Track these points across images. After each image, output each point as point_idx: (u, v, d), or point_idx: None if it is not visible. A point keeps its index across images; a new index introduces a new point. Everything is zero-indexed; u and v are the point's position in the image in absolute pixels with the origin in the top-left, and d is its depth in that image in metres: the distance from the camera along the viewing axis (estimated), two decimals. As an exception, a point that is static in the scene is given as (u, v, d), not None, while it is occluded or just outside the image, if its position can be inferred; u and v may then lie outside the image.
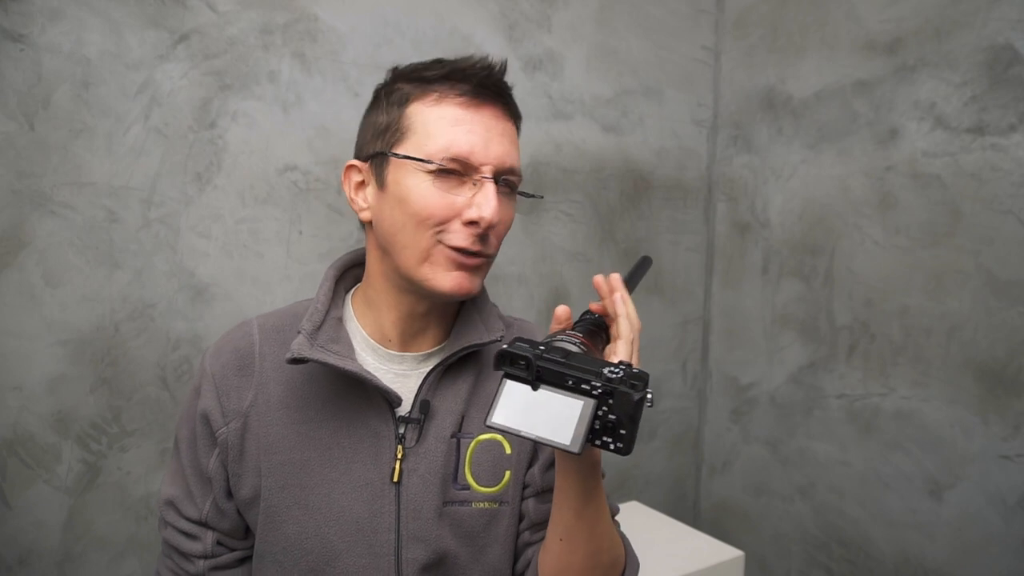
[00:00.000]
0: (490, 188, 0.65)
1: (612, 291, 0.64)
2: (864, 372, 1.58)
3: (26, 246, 1.11)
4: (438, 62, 0.69)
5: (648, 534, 1.51)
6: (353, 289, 0.77)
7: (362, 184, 0.71)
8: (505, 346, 0.53)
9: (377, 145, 0.69)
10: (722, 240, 1.94)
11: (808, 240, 1.70)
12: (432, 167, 0.65)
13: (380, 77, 1.40)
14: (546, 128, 1.63)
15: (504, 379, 0.54)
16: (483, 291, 0.78)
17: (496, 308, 0.79)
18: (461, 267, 0.66)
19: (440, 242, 0.66)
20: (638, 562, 0.74)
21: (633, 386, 0.51)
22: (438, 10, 1.47)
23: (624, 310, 0.62)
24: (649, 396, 0.51)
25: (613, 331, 0.63)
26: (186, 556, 0.72)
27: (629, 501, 1.78)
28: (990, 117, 1.35)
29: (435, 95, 0.67)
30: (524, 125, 1.67)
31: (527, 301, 1.63)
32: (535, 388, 0.53)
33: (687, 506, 2.01)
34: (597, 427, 0.52)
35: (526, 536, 0.75)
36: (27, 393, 1.12)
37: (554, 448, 0.55)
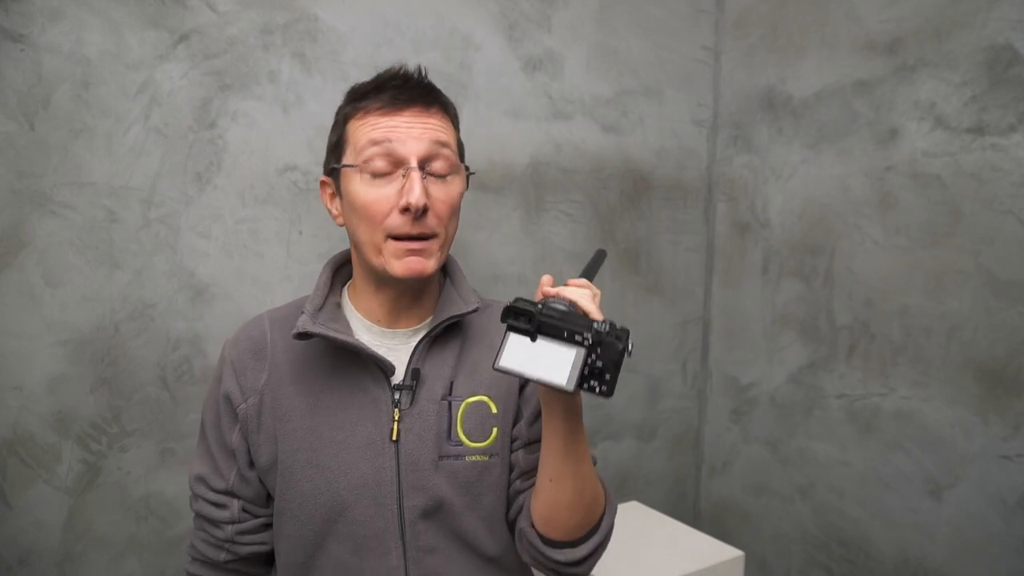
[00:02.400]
0: (414, 176, 0.74)
1: (545, 294, 0.72)
2: (864, 372, 1.58)
3: (26, 246, 1.11)
4: (370, 81, 0.80)
5: (648, 534, 1.52)
6: (349, 282, 0.89)
7: (333, 195, 0.83)
8: (511, 302, 0.64)
9: (331, 161, 0.82)
10: (722, 240, 1.94)
11: (808, 240, 1.70)
12: (363, 169, 0.76)
13: (380, 77, 1.40)
14: (546, 128, 1.63)
15: (508, 331, 0.64)
16: (458, 271, 0.89)
17: (468, 283, 0.89)
18: (409, 252, 0.76)
19: (388, 236, 0.76)
20: (615, 504, 0.83)
21: (618, 337, 0.61)
22: (438, 10, 1.47)
23: (571, 294, 0.69)
24: (631, 346, 0.62)
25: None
26: (215, 523, 0.83)
27: (629, 501, 1.78)
28: (990, 117, 1.35)
29: (362, 111, 0.79)
30: (524, 125, 1.66)
31: (527, 301, 1.63)
32: (534, 339, 0.63)
33: (687, 506, 2.01)
34: (585, 373, 0.62)
35: (517, 484, 0.84)
36: (27, 393, 1.12)
37: (552, 387, 0.64)
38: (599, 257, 0.85)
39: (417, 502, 0.78)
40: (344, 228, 0.83)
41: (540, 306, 0.64)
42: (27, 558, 1.13)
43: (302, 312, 0.79)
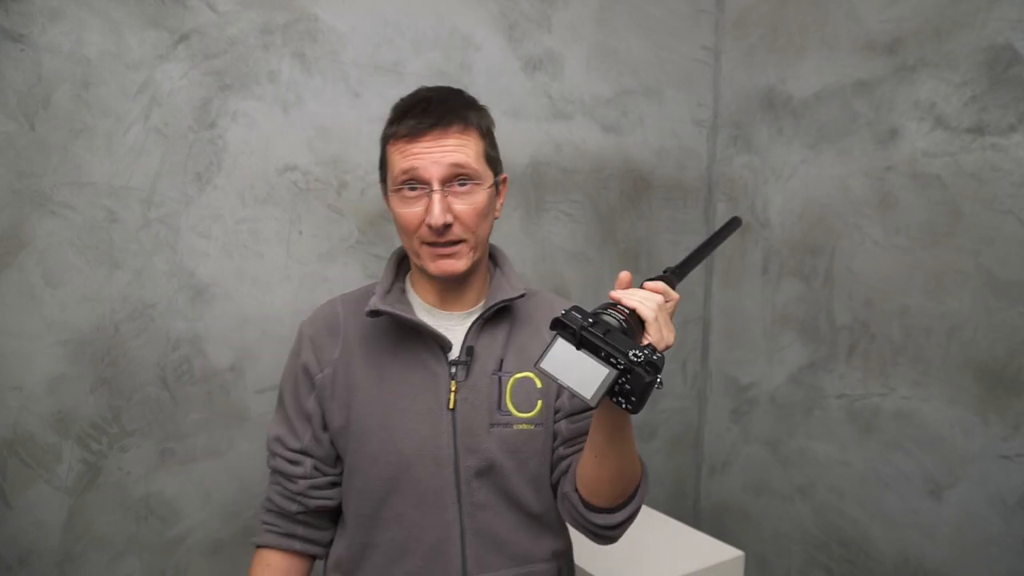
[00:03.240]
0: (436, 197, 0.85)
1: (612, 298, 0.78)
2: (864, 372, 1.58)
3: (26, 246, 1.11)
4: (398, 105, 0.91)
5: (648, 534, 1.51)
6: (409, 272, 1.00)
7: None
8: (561, 314, 0.69)
9: (380, 176, 0.95)
10: (722, 240, 1.94)
11: (808, 240, 1.70)
12: (397, 191, 0.88)
13: (380, 77, 1.41)
14: (546, 128, 1.63)
15: (557, 336, 0.69)
16: (506, 261, 1.00)
17: (516, 272, 1.00)
18: (439, 256, 0.88)
19: (422, 242, 0.88)
20: (648, 478, 0.92)
21: (647, 371, 0.66)
22: (438, 10, 1.47)
23: (632, 302, 0.74)
24: (659, 380, 0.67)
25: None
26: (290, 477, 0.93)
27: (629, 501, 1.78)
28: (990, 117, 1.35)
29: (392, 137, 0.89)
30: (524, 125, 1.66)
31: (527, 301, 1.63)
32: (577, 348, 0.68)
33: (687, 506, 2.01)
34: (616, 390, 0.67)
35: (560, 451, 0.93)
36: (27, 393, 1.12)
37: (578, 397, 0.71)
38: (729, 225, 0.91)
39: (472, 463, 0.88)
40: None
41: (590, 320, 0.69)
42: (27, 558, 1.13)
43: (372, 294, 0.92)
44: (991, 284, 1.35)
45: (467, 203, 0.87)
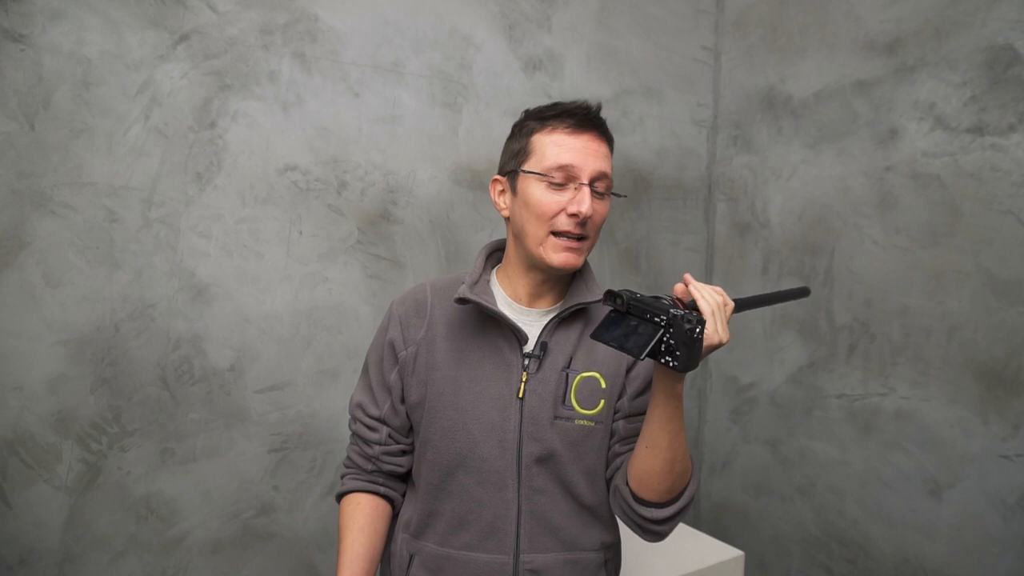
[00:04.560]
0: (586, 191, 0.90)
1: (687, 283, 0.85)
2: (864, 372, 1.58)
3: (26, 246, 1.11)
4: (555, 105, 0.95)
5: (648, 534, 1.51)
6: (497, 266, 1.05)
7: (503, 192, 0.98)
8: (611, 288, 0.78)
9: (512, 164, 0.96)
10: (722, 240, 1.94)
11: (808, 240, 1.70)
12: (545, 177, 0.91)
13: (380, 77, 1.41)
14: (546, 128, 1.63)
15: (610, 311, 0.79)
16: (588, 267, 1.04)
17: (597, 279, 1.04)
18: (567, 248, 0.92)
19: (552, 232, 0.92)
20: (699, 479, 0.95)
21: (688, 321, 0.72)
22: (438, 10, 1.47)
23: (697, 294, 0.81)
24: (698, 330, 0.73)
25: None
26: (367, 442, 1.01)
27: (629, 501, 1.78)
28: (990, 117, 1.35)
29: (549, 127, 0.93)
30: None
31: (527, 301, 1.63)
32: (623, 317, 0.77)
33: (687, 506, 2.01)
34: (662, 348, 0.74)
35: (616, 448, 0.98)
36: (27, 393, 1.12)
37: (624, 353, 0.77)
38: (793, 293, 0.98)
39: (533, 449, 0.93)
40: (505, 220, 0.99)
41: (639, 294, 0.78)
42: (27, 558, 1.13)
43: (462, 283, 0.97)
44: (991, 284, 1.35)
45: (601, 207, 0.94)
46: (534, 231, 0.93)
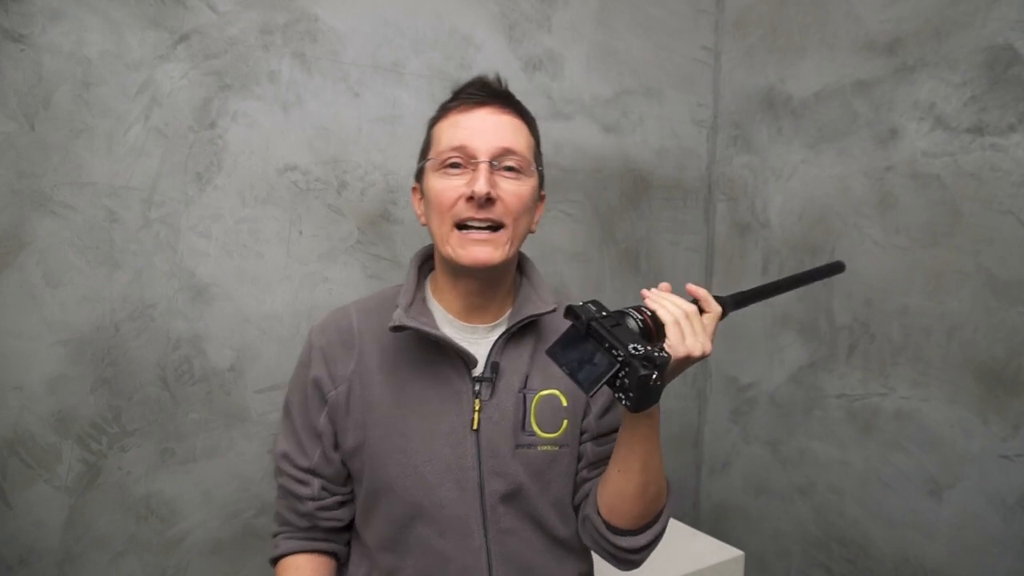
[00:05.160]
0: (482, 167, 0.79)
1: (643, 298, 0.77)
2: (864, 372, 1.58)
3: (26, 246, 1.11)
4: (455, 90, 0.86)
5: (648, 534, 1.51)
6: (429, 276, 0.93)
7: (420, 198, 0.88)
8: (575, 303, 0.70)
9: (419, 163, 0.88)
10: (722, 240, 1.94)
11: (808, 240, 1.70)
12: (438, 161, 0.81)
13: (380, 77, 1.41)
14: (546, 128, 1.61)
15: (572, 324, 0.70)
16: (535, 271, 0.94)
17: (547, 284, 0.94)
18: (475, 241, 0.80)
19: (455, 225, 0.80)
20: (673, 502, 0.87)
21: (644, 366, 0.64)
22: (438, 10, 1.47)
23: (654, 303, 0.74)
24: (654, 377, 0.65)
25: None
26: (298, 497, 0.88)
27: (629, 501, 1.78)
28: (990, 117, 1.35)
29: (446, 113, 0.84)
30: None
31: (527, 301, 1.63)
32: (584, 339, 0.68)
33: (687, 506, 2.01)
34: (616, 383, 0.66)
35: (584, 473, 0.89)
36: (27, 393, 1.12)
37: (574, 383, 0.69)
38: (821, 271, 0.91)
39: (497, 486, 0.83)
40: (425, 227, 0.88)
41: (604, 314, 0.69)
42: (27, 558, 1.13)
43: (396, 306, 0.85)
44: (991, 284, 1.35)
45: (515, 187, 0.81)
46: (438, 228, 0.82)
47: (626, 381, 0.65)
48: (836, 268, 0.92)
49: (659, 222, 1.87)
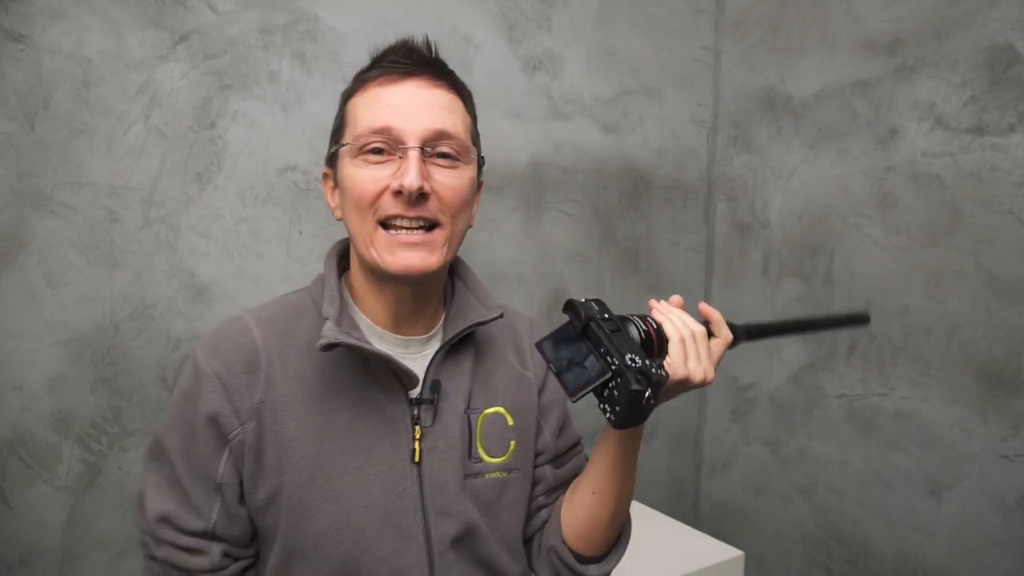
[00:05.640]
0: (413, 155, 0.65)
1: (651, 308, 0.71)
2: (864, 372, 1.58)
3: (26, 246, 1.11)
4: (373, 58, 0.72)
5: (648, 534, 1.51)
6: (343, 277, 0.77)
7: (334, 187, 0.74)
8: (580, 300, 0.64)
9: (331, 147, 0.73)
10: (722, 240, 1.94)
11: (808, 240, 1.70)
12: (356, 146, 0.66)
13: (380, 77, 1.40)
14: (546, 128, 1.63)
15: (569, 321, 0.64)
16: (472, 274, 0.80)
17: (486, 285, 0.81)
18: (404, 245, 0.66)
19: (379, 223, 0.67)
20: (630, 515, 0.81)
21: (638, 380, 0.58)
22: (438, 10, 1.47)
23: (661, 316, 0.69)
24: (647, 394, 0.58)
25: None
26: (190, 573, 0.68)
27: (629, 501, 1.77)
28: (990, 117, 1.35)
29: (364, 85, 0.70)
30: (524, 125, 1.66)
31: (527, 301, 1.63)
32: (579, 338, 0.63)
33: (687, 506, 2.01)
34: (604, 393, 0.61)
35: (541, 500, 0.79)
36: (27, 393, 1.12)
37: (559, 383, 0.63)
38: (843, 319, 0.87)
39: (447, 529, 0.70)
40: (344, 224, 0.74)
41: (606, 316, 0.64)
42: (27, 558, 1.13)
43: (306, 316, 0.71)
44: (991, 284, 1.35)
45: (452, 179, 0.68)
46: (359, 227, 0.68)
47: (615, 393, 0.59)
48: (861, 320, 0.86)
49: (659, 222, 1.87)
